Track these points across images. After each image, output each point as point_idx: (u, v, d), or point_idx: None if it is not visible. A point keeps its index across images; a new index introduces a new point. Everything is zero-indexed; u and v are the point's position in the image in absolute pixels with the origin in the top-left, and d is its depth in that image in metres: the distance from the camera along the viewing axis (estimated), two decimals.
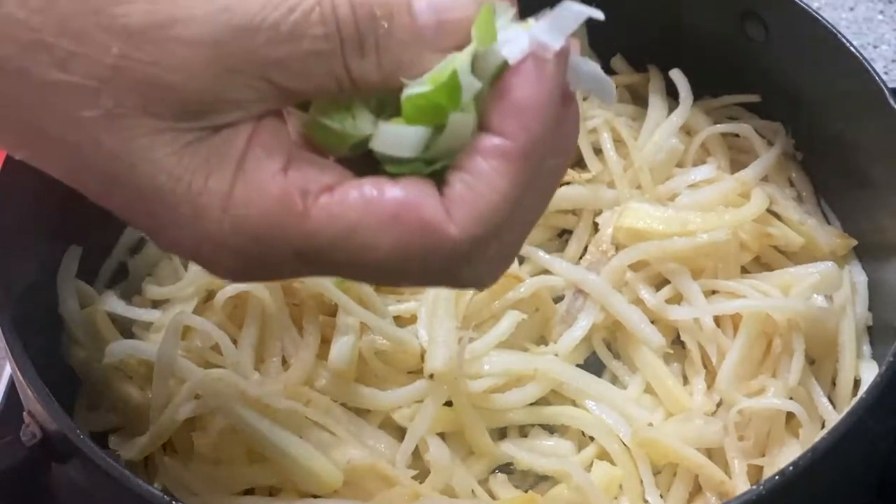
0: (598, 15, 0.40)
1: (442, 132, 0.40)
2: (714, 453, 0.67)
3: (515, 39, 0.40)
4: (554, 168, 0.44)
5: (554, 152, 0.42)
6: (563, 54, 0.40)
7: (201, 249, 0.41)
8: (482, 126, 0.40)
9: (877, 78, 0.70)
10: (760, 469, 0.66)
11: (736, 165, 0.80)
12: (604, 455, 0.69)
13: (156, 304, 0.74)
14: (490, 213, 0.40)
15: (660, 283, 0.74)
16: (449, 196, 0.40)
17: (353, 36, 0.39)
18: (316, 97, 0.41)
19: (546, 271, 0.76)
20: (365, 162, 0.41)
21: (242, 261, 0.41)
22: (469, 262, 0.41)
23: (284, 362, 0.69)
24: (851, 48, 0.72)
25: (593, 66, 0.43)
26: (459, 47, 0.40)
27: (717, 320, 0.71)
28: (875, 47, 1.04)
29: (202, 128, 0.39)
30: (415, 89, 0.40)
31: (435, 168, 0.41)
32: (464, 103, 0.40)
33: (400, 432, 0.68)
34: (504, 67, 0.40)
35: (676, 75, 0.82)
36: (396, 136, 0.40)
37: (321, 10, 0.39)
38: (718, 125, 0.81)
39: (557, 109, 0.41)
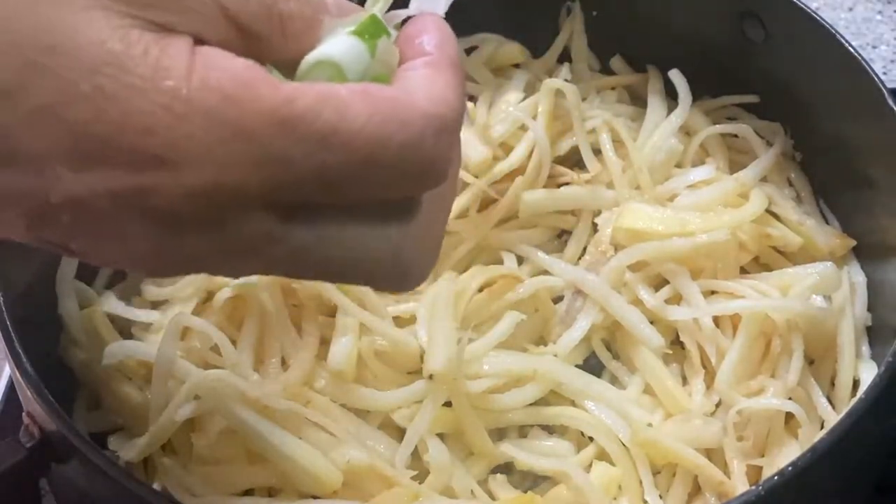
0: None
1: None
2: (713, 454, 0.67)
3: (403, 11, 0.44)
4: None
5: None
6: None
7: (159, 122, 0.35)
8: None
9: (875, 78, 0.70)
10: (760, 469, 0.66)
11: (735, 166, 0.80)
12: (603, 455, 0.69)
13: (155, 304, 0.74)
14: (445, 98, 0.40)
15: (659, 283, 0.74)
16: (399, 88, 0.40)
17: None
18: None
19: (545, 272, 0.76)
20: None
21: (212, 127, 0.36)
22: (437, 147, 0.39)
23: (284, 363, 0.69)
24: (850, 49, 0.72)
25: None
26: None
27: (717, 321, 0.71)
28: (874, 48, 1.04)
29: (146, 19, 0.36)
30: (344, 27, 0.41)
31: None
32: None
33: (399, 433, 0.68)
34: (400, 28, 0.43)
35: (675, 76, 0.82)
36: (349, 46, 0.40)
37: None
38: (717, 126, 0.81)
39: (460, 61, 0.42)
